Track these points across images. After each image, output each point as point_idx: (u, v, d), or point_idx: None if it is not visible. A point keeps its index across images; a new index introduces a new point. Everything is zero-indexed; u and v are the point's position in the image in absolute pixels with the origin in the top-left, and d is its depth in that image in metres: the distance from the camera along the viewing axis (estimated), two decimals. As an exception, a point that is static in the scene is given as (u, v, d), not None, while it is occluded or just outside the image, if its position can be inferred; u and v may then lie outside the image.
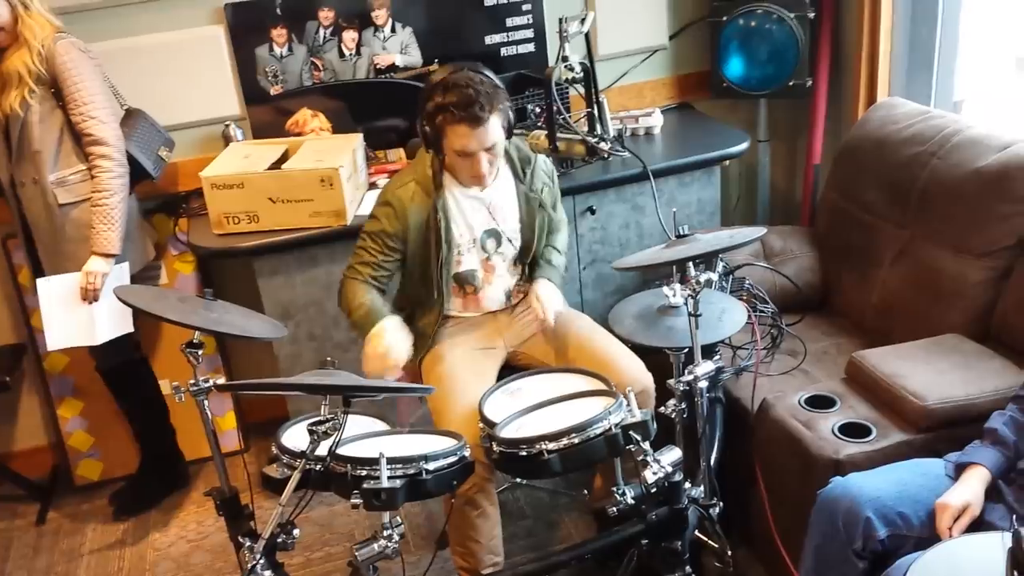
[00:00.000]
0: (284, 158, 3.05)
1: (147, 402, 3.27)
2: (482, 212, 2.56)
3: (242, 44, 3.29)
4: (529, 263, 2.67)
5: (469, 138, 2.35)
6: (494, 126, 2.37)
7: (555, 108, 2.96)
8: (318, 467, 1.98)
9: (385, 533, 1.98)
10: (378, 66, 3.42)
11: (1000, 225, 2.51)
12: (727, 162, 3.33)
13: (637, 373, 2.45)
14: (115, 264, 2.90)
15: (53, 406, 3.45)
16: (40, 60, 2.75)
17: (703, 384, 2.25)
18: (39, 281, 2.90)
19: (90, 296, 2.87)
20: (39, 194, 2.86)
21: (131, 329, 3.03)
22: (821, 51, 3.48)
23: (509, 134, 2.46)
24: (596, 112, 3.15)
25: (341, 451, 1.98)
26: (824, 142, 3.59)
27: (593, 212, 3.18)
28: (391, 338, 2.42)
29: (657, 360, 2.47)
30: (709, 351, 2.34)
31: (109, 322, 2.95)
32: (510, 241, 2.61)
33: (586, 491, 3.01)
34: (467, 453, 2.09)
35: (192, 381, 2.22)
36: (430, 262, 2.54)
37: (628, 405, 2.10)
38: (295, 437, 2.16)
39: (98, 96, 2.83)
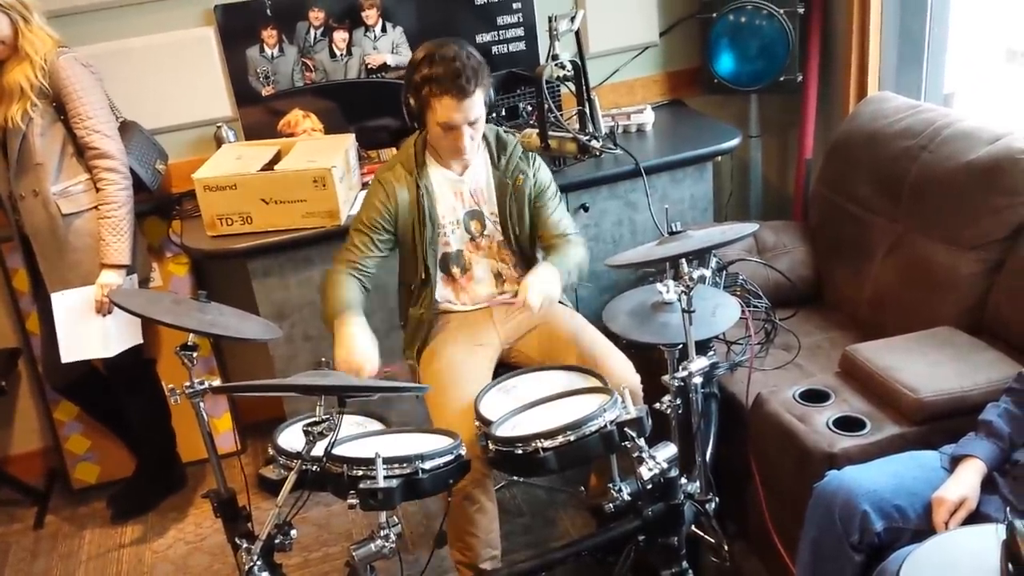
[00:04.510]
0: (276, 159, 3.05)
1: (152, 403, 3.27)
2: (462, 193, 2.59)
3: (233, 45, 3.29)
4: (519, 249, 2.66)
5: (455, 110, 2.38)
6: (478, 100, 2.41)
7: (546, 106, 2.96)
8: (314, 468, 1.99)
9: (382, 533, 1.98)
10: (369, 66, 3.42)
11: (991, 217, 2.51)
12: (719, 158, 3.33)
13: (624, 373, 2.46)
14: (127, 275, 2.92)
15: (49, 409, 3.44)
16: (42, 74, 2.77)
17: (697, 380, 2.25)
18: (54, 296, 2.92)
19: (104, 309, 2.89)
20: (40, 206, 2.87)
21: (140, 340, 3.06)
22: (811, 46, 3.48)
23: (489, 111, 2.50)
24: (587, 110, 3.14)
25: (337, 451, 1.99)
26: (815, 137, 3.60)
27: (586, 209, 3.18)
28: (355, 345, 2.37)
29: (651, 356, 2.47)
30: (703, 347, 2.34)
31: (121, 334, 2.97)
32: (493, 224, 2.63)
33: (583, 488, 3.02)
34: (463, 452, 2.09)
35: (188, 383, 2.22)
36: (416, 242, 2.56)
37: (623, 402, 2.11)
38: (291, 438, 2.16)
39: (101, 110, 2.87)
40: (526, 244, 2.66)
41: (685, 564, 2.24)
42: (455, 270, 2.65)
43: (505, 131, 2.70)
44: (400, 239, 2.60)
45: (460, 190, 2.60)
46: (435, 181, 2.57)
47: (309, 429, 1.91)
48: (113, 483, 3.50)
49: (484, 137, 2.60)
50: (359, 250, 2.55)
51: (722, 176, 3.78)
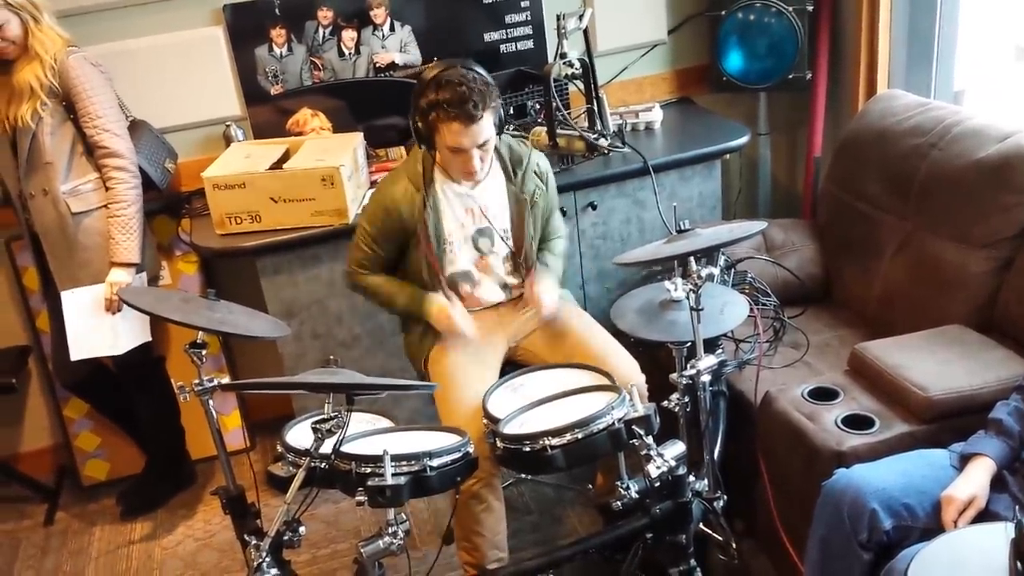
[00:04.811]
0: (285, 158, 3.06)
1: (161, 401, 3.28)
2: (473, 210, 2.57)
3: (241, 45, 3.30)
4: (525, 264, 2.65)
5: (462, 135, 2.36)
6: (487, 124, 2.38)
7: (554, 105, 2.97)
8: (323, 465, 2.00)
9: (390, 530, 1.99)
10: (378, 65, 3.43)
11: (1001, 215, 2.51)
12: (727, 156, 3.33)
13: (630, 372, 2.46)
14: (136, 273, 2.93)
15: (59, 407, 3.46)
16: (52, 73, 2.78)
17: (706, 378, 2.26)
18: (64, 294, 2.93)
19: (114, 307, 2.90)
20: (50, 205, 2.88)
21: (149, 338, 3.07)
22: (820, 44, 3.47)
23: (500, 131, 2.48)
24: (596, 108, 3.15)
25: (345, 449, 1.99)
26: (824, 135, 3.59)
27: (594, 208, 3.18)
28: (450, 311, 2.52)
29: (659, 354, 2.48)
30: (712, 345, 2.34)
31: (130, 332, 2.99)
32: (503, 239, 2.61)
33: (590, 485, 3.02)
34: (471, 449, 2.10)
35: (197, 381, 2.23)
36: (423, 259, 2.55)
37: (631, 400, 2.11)
38: (300, 435, 2.17)
39: (111, 110, 2.88)
40: (533, 255, 2.65)
41: (693, 562, 2.24)
42: (465, 287, 2.64)
43: (515, 135, 2.68)
44: (401, 251, 2.59)
45: (471, 206, 2.56)
46: (444, 197, 2.54)
47: (318, 426, 1.91)
48: (123, 480, 3.51)
49: (496, 150, 2.55)
50: (373, 256, 2.60)
51: (730, 174, 3.78)
